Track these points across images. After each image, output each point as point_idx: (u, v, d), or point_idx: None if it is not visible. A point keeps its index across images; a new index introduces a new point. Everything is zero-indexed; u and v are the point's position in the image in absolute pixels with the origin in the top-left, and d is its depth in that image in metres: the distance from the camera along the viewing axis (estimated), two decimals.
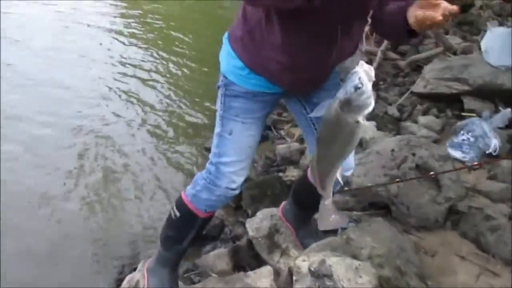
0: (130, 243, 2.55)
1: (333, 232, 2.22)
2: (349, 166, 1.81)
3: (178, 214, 1.78)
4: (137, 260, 2.33)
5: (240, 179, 1.67)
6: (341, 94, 1.14)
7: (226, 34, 1.61)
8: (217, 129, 1.66)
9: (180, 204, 1.77)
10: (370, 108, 1.14)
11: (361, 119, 1.15)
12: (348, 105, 1.12)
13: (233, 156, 1.63)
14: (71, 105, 4.01)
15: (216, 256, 2.26)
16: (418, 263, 1.90)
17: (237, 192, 1.70)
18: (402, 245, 1.89)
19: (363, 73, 1.10)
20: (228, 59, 1.58)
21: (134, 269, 2.20)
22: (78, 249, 2.49)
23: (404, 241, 1.96)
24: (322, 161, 1.31)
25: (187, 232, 1.80)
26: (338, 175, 1.34)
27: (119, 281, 2.23)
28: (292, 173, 3.04)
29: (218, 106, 1.64)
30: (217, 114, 1.65)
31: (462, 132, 3.01)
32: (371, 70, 1.12)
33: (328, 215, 1.38)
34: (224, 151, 1.63)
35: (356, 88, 1.09)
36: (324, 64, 1.51)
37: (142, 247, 2.52)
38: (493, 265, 2.05)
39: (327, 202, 1.37)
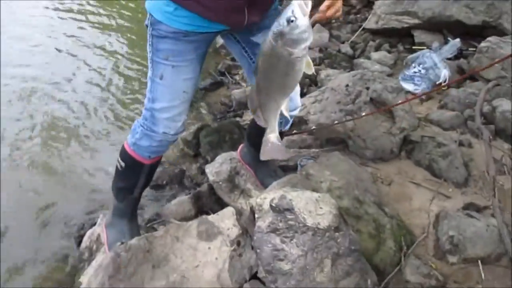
0: (88, 199, 2.48)
1: (293, 169, 2.25)
2: (295, 105, 1.78)
3: (123, 164, 1.73)
4: (96, 215, 2.28)
5: (176, 125, 1.60)
6: (274, 27, 1.11)
7: None
8: (149, 73, 1.56)
9: (124, 154, 1.72)
10: (307, 43, 1.12)
11: (298, 52, 1.12)
12: (281, 37, 1.10)
13: (166, 102, 1.55)
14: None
15: (178, 204, 2.24)
16: (376, 192, 1.96)
17: (177, 136, 1.65)
18: (359, 176, 1.93)
19: (297, 7, 1.06)
20: None
21: (94, 224, 2.15)
22: (34, 214, 2.40)
23: (361, 172, 2.01)
24: (263, 94, 1.28)
25: (136, 181, 1.76)
26: (284, 110, 1.31)
27: (80, 237, 2.18)
28: (249, 117, 3.01)
29: (147, 48, 1.52)
30: (148, 56, 1.54)
31: (413, 64, 3.06)
32: (307, 4, 1.08)
33: (270, 147, 1.37)
34: (156, 96, 1.55)
35: (289, 21, 1.07)
36: None
37: (100, 201, 2.46)
38: (446, 189, 2.15)
39: (270, 135, 1.36)
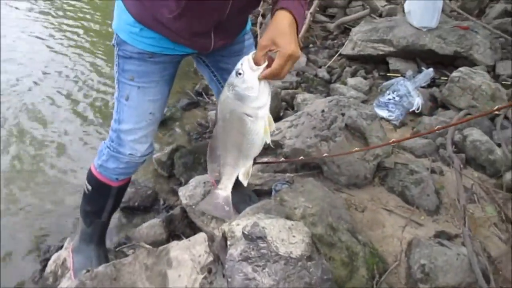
0: (55, 221, 2.40)
1: (267, 194, 2.24)
2: None
3: (90, 187, 1.69)
4: (64, 237, 2.20)
5: (142, 147, 1.56)
6: (229, 76, 1.09)
7: None
8: (115, 93, 1.53)
9: (91, 177, 1.68)
10: (258, 103, 1.05)
11: (248, 110, 1.06)
12: (232, 88, 1.06)
13: (132, 124, 1.51)
14: None
15: (149, 227, 2.19)
16: (349, 219, 1.95)
17: (145, 158, 1.61)
18: (333, 203, 1.93)
19: (246, 61, 1.04)
20: (118, 14, 1.41)
21: (61, 247, 2.07)
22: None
23: (335, 199, 2.00)
24: (221, 145, 1.21)
25: (103, 204, 1.71)
26: (241, 175, 1.22)
27: (46, 260, 2.09)
28: None
29: (114, 68, 1.50)
30: (114, 77, 1.51)
31: (388, 92, 3.12)
32: (259, 66, 1.05)
33: (215, 204, 1.29)
34: (123, 117, 1.51)
35: (237, 73, 1.05)
36: (220, 12, 1.31)
37: (68, 223, 2.38)
38: (418, 216, 2.17)
39: (220, 191, 1.27)
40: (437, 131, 2.29)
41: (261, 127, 1.11)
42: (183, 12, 1.25)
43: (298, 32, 1.10)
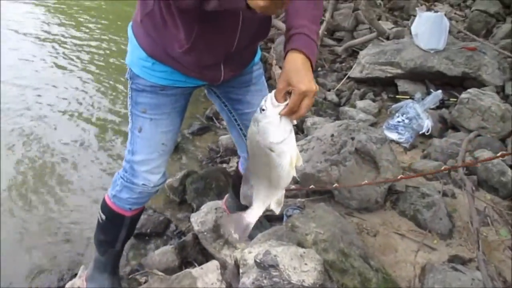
0: (70, 248, 2.43)
1: (279, 219, 2.25)
2: None
3: (104, 217, 1.71)
4: (78, 265, 2.22)
5: (155, 177, 1.59)
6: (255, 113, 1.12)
7: (130, 23, 1.49)
8: (129, 125, 1.57)
9: (105, 206, 1.71)
10: (279, 140, 1.08)
11: (271, 145, 1.09)
12: (256, 123, 1.10)
13: (144, 154, 1.55)
14: None
15: (162, 254, 2.20)
16: (361, 244, 1.95)
17: (158, 188, 1.64)
18: (344, 229, 1.93)
19: (269, 99, 1.08)
20: (132, 50, 1.46)
21: (75, 275, 2.09)
22: (12, 258, 2.33)
23: (346, 224, 2.00)
24: (254, 177, 1.23)
25: (117, 234, 1.74)
26: (273, 204, 1.25)
27: None
28: (236, 164, 3.02)
29: (128, 100, 1.55)
30: (128, 109, 1.56)
31: (397, 114, 3.13)
32: (280, 100, 1.08)
33: (237, 222, 1.30)
34: (136, 149, 1.55)
35: (261, 109, 1.09)
36: (228, 44, 1.35)
37: (82, 251, 2.40)
38: (430, 240, 2.15)
39: (246, 215, 1.28)
40: (444, 171, 2.30)
41: (286, 161, 1.13)
42: (193, 46, 1.29)
43: (312, 68, 1.13)
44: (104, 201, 1.71)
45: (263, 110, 1.08)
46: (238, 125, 1.67)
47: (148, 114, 1.49)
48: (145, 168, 1.56)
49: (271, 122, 1.08)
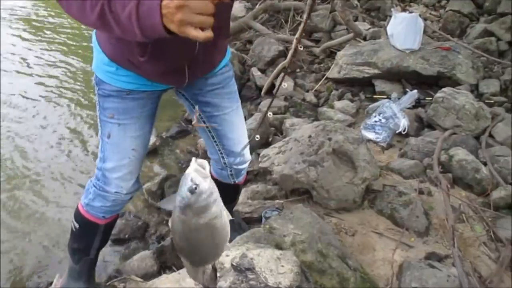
0: (44, 257, 2.38)
1: (257, 221, 2.25)
2: (245, 159, 1.80)
3: (77, 226, 1.68)
4: (52, 274, 2.18)
5: (127, 184, 1.56)
6: (178, 202, 1.01)
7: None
8: (99, 132, 1.54)
9: (78, 215, 1.67)
10: (218, 200, 1.03)
11: (213, 215, 1.03)
12: (190, 210, 1.00)
13: (115, 161, 1.52)
14: None
15: (140, 260, 2.18)
16: (339, 244, 1.96)
17: (131, 195, 1.61)
18: (322, 229, 1.94)
19: (194, 173, 0.98)
20: (96, 55, 1.44)
21: (50, 283, 2.05)
22: None
23: (324, 224, 2.02)
24: (197, 264, 1.21)
25: (91, 242, 1.71)
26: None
27: None
28: None
29: (96, 107, 1.52)
30: (97, 115, 1.53)
31: (374, 114, 3.16)
32: (204, 166, 1.00)
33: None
34: (106, 156, 1.52)
35: (191, 191, 0.97)
36: (190, 50, 1.32)
37: (57, 259, 2.36)
38: (408, 238, 2.18)
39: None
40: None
41: (226, 220, 1.09)
42: (152, 55, 1.28)
43: None
44: (77, 209, 1.67)
45: (195, 189, 0.97)
46: (207, 127, 1.66)
47: (116, 119, 1.46)
48: (117, 175, 1.53)
49: (210, 195, 1.00)
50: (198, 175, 0.97)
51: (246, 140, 1.72)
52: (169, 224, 1.10)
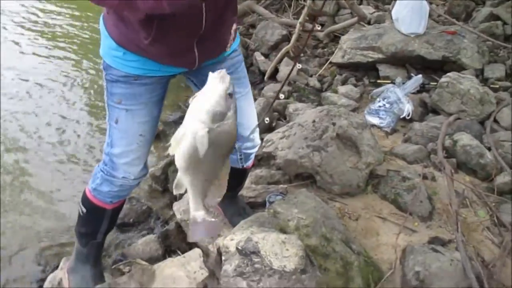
0: (51, 240, 2.40)
1: (262, 206, 2.25)
2: (254, 143, 1.80)
3: (84, 210, 1.69)
4: (59, 257, 2.20)
5: (135, 169, 1.56)
6: (208, 105, 1.07)
7: (102, 14, 1.45)
8: (106, 117, 1.54)
9: (85, 199, 1.68)
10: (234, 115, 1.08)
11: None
12: (216, 115, 1.07)
13: (123, 146, 1.52)
14: None
15: (145, 244, 2.19)
16: (343, 228, 1.97)
17: (138, 180, 1.62)
18: (326, 214, 1.94)
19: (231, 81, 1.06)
20: (103, 40, 1.43)
21: (57, 267, 2.07)
22: None
23: (328, 209, 2.02)
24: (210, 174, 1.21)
25: (98, 226, 1.72)
26: (212, 192, 1.23)
27: (42, 281, 2.09)
28: None
29: (104, 92, 1.51)
30: (105, 100, 1.52)
31: (378, 99, 3.14)
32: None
33: (194, 227, 1.28)
34: (114, 141, 1.52)
35: (230, 94, 1.06)
36: (197, 27, 1.31)
37: (64, 242, 2.38)
38: (411, 223, 2.18)
39: (192, 214, 1.26)
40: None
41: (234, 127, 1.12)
42: (157, 37, 1.27)
43: None
44: (84, 194, 1.68)
45: (230, 94, 1.04)
46: None
47: (124, 104, 1.46)
48: (125, 160, 1.53)
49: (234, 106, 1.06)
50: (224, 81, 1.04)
51: (256, 124, 1.72)
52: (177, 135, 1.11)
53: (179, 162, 1.15)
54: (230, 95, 1.04)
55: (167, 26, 1.26)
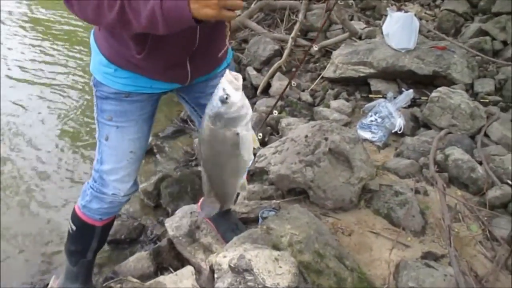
0: (41, 258, 2.36)
1: (254, 221, 2.24)
2: None
3: (74, 228, 1.68)
4: (49, 275, 2.17)
5: (125, 186, 1.56)
6: (209, 110, 1.05)
7: (92, 30, 1.45)
8: (96, 134, 1.53)
9: (74, 217, 1.67)
10: (248, 118, 1.07)
11: (241, 130, 1.07)
12: (219, 119, 1.04)
13: (112, 163, 1.51)
14: None
15: (136, 261, 2.17)
16: (336, 244, 1.96)
17: (129, 197, 1.61)
18: (319, 229, 1.94)
19: (227, 84, 1.02)
20: (94, 56, 1.43)
21: (46, 285, 2.04)
22: None
23: (321, 224, 2.02)
24: (216, 182, 1.23)
25: (88, 244, 1.70)
26: (239, 189, 1.26)
27: None
28: None
29: (94, 108, 1.50)
30: (95, 117, 1.52)
31: (370, 113, 3.16)
32: (237, 78, 1.04)
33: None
34: (104, 158, 1.52)
35: (223, 100, 1.02)
36: (190, 42, 1.32)
37: (54, 260, 2.34)
38: (404, 238, 2.18)
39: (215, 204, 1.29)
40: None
41: (250, 140, 1.12)
42: (150, 51, 1.27)
43: None
44: (74, 211, 1.66)
45: (226, 99, 1.01)
46: None
47: (114, 121, 1.45)
48: (115, 177, 1.52)
49: (241, 107, 1.04)
50: (231, 86, 1.01)
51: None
52: (198, 135, 1.17)
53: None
54: (225, 100, 1.04)
55: (160, 41, 1.26)
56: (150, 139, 3.33)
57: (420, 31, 3.88)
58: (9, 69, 4.62)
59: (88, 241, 1.69)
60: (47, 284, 2.03)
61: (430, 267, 1.93)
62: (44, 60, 4.93)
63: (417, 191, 2.42)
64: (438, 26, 4.66)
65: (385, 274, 1.98)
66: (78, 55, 5.09)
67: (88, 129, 3.61)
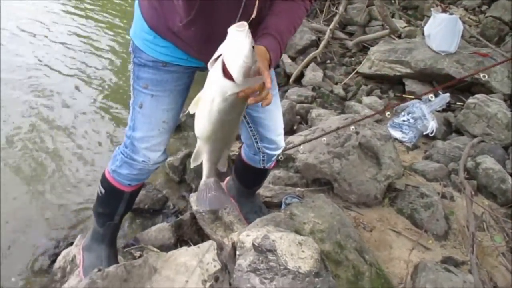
0: (66, 216, 2.43)
1: (277, 206, 2.26)
2: (278, 146, 1.77)
3: (103, 191, 1.70)
4: (74, 233, 2.23)
5: (155, 155, 1.56)
6: (232, 61, 1.03)
7: None
8: (130, 100, 1.52)
9: (104, 180, 1.69)
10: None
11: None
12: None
13: (145, 131, 1.51)
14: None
15: (158, 231, 2.21)
16: (357, 238, 1.96)
17: (158, 165, 1.61)
18: (342, 221, 1.94)
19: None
20: (135, 21, 1.41)
21: (71, 244, 2.10)
22: (10, 224, 2.34)
23: (344, 217, 2.01)
24: (222, 147, 1.23)
25: (115, 208, 1.73)
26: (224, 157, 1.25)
27: (55, 255, 2.13)
28: (237, 147, 3.02)
29: (130, 74, 1.49)
30: (130, 83, 1.50)
31: (403, 113, 3.13)
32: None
33: (205, 194, 1.29)
34: (136, 125, 1.51)
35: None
36: (235, 14, 1.22)
37: (80, 219, 2.41)
38: (425, 240, 2.17)
39: (204, 180, 1.28)
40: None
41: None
42: (195, 18, 1.22)
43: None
44: (104, 175, 1.69)
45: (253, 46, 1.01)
46: (244, 116, 1.64)
47: (150, 90, 1.44)
48: (145, 145, 1.53)
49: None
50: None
51: (282, 127, 1.71)
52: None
53: (203, 130, 1.16)
54: (253, 48, 1.02)
55: (208, 9, 1.21)
56: (180, 115, 3.39)
57: (462, 36, 3.79)
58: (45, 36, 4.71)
59: (116, 205, 1.72)
60: (71, 243, 2.09)
61: (450, 272, 1.91)
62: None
63: (443, 196, 2.39)
64: (481, 33, 4.54)
65: (403, 274, 1.98)
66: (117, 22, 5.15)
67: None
